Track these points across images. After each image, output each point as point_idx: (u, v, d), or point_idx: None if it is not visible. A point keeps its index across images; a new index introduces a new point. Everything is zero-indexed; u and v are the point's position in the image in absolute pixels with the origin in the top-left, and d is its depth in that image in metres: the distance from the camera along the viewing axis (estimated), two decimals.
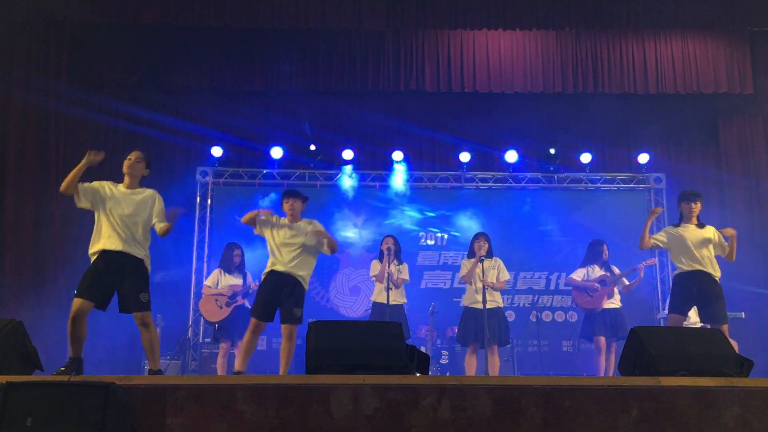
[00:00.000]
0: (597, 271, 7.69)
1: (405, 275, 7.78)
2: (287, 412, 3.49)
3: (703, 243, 6.05)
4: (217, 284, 7.79)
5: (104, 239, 4.95)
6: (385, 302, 7.35)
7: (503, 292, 9.58)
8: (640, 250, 6.51)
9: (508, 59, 9.30)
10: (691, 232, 6.13)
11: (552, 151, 10.10)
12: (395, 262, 7.67)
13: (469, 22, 9.03)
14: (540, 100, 9.92)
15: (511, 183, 10.33)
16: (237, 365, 5.74)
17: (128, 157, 5.20)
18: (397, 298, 7.60)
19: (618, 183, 10.37)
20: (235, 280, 7.75)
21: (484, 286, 7.17)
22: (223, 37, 9.21)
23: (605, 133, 10.55)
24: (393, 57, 9.26)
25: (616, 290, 7.64)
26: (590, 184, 10.34)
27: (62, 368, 4.70)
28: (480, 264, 7.23)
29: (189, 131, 9.88)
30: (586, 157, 10.14)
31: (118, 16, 8.48)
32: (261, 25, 8.81)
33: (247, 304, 7.56)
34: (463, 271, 7.48)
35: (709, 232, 6.13)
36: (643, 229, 6.29)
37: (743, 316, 8.33)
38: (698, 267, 5.98)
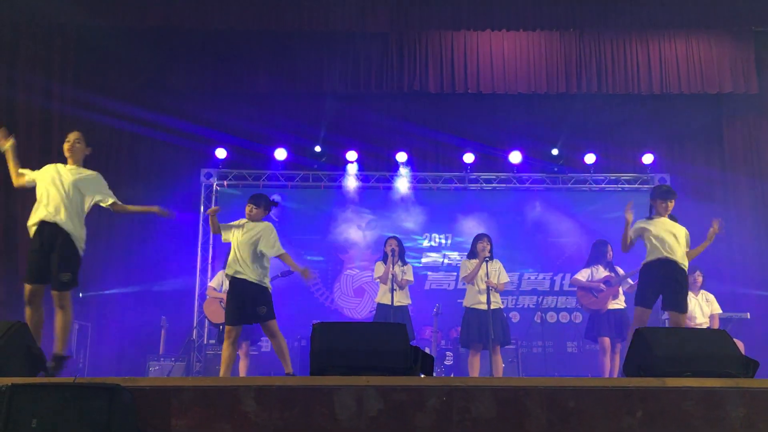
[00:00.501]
0: (601, 272, 7.69)
1: (409, 276, 7.78)
2: (291, 413, 3.49)
3: (672, 234, 5.97)
4: (222, 286, 7.79)
5: (42, 208, 5.00)
6: (390, 303, 7.35)
7: (508, 293, 9.66)
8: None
9: (511, 60, 9.29)
10: (662, 223, 6.07)
11: (554, 151, 10.09)
12: (399, 263, 7.68)
13: (472, 23, 9.02)
14: (544, 101, 9.92)
15: (515, 184, 10.33)
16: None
17: (67, 139, 5.27)
18: (402, 299, 7.61)
19: (622, 183, 10.36)
20: None
21: (488, 287, 7.17)
22: (227, 40, 9.23)
23: (609, 134, 10.54)
24: (397, 58, 9.26)
25: (620, 291, 7.63)
26: (594, 185, 10.33)
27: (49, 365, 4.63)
28: (485, 265, 7.23)
29: (193, 133, 9.90)
30: (590, 158, 10.14)
31: (122, 20, 8.49)
32: (265, 27, 8.82)
33: None
34: (465, 271, 7.46)
35: (680, 229, 6.07)
36: (623, 233, 6.17)
37: (748, 317, 8.30)
38: (666, 255, 5.89)
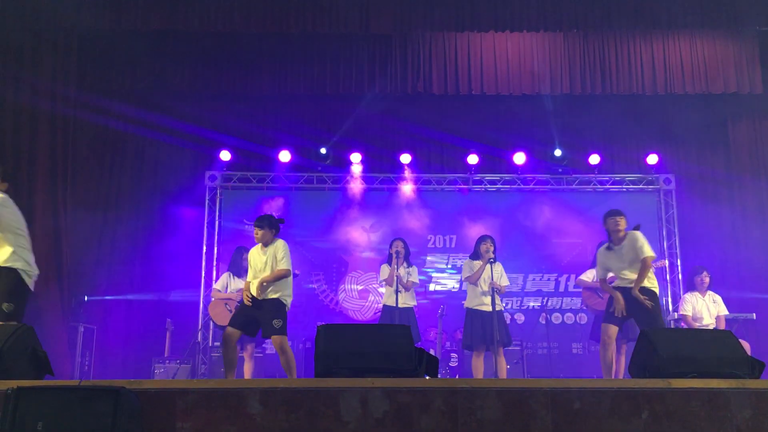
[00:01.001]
0: None
1: (414, 278, 7.77)
2: (296, 415, 3.50)
3: (622, 264, 6.25)
4: (227, 288, 7.81)
5: None
6: (395, 305, 7.35)
7: (513, 294, 9.69)
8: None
9: (515, 61, 9.27)
10: (615, 255, 6.33)
11: (557, 152, 10.07)
12: (404, 265, 7.67)
13: (476, 24, 9.00)
14: (548, 102, 9.90)
15: (519, 185, 10.32)
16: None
17: None
18: (407, 301, 7.61)
19: (627, 184, 10.34)
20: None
21: (493, 289, 7.16)
22: (231, 42, 9.24)
23: (614, 135, 10.53)
24: (400, 60, 9.25)
25: None
26: (599, 186, 10.32)
27: None
28: (488, 267, 7.22)
29: (197, 135, 9.94)
30: (594, 159, 10.12)
31: (126, 23, 8.52)
32: (269, 29, 8.83)
33: None
34: (468, 271, 7.44)
35: (631, 251, 6.21)
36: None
37: (754, 317, 8.28)
38: (623, 285, 6.21)
